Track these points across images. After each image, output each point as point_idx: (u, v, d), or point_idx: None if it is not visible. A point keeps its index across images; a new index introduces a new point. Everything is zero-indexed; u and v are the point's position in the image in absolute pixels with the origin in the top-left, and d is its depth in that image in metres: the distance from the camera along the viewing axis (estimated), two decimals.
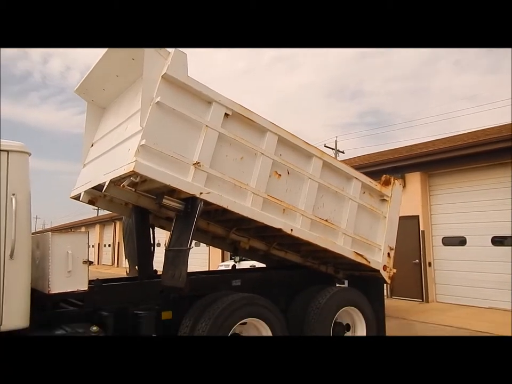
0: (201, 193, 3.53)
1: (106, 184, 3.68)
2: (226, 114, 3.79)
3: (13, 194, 3.02)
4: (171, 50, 3.53)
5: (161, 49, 3.49)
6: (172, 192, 3.67)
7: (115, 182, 3.67)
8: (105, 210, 7.14)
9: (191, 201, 3.62)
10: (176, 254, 3.58)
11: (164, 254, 3.78)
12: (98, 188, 4.08)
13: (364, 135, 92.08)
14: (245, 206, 3.83)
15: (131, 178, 3.36)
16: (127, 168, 3.28)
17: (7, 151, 3.08)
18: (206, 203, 3.61)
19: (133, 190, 3.84)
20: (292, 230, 4.16)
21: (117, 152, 3.86)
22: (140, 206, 4.34)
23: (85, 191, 4.42)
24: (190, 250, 3.51)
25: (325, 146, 25.91)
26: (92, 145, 4.88)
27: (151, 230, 4.61)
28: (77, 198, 4.71)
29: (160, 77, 3.45)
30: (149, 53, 3.41)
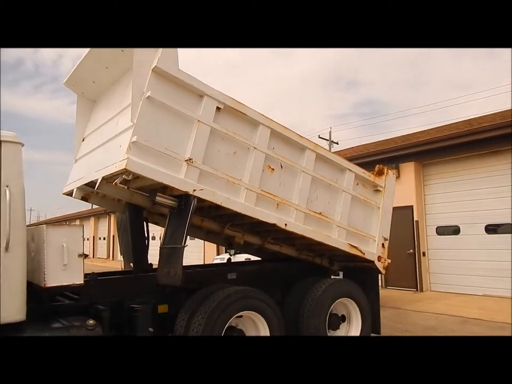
0: (194, 190, 3.50)
1: (99, 181, 3.64)
2: (218, 108, 3.73)
3: (6, 186, 2.99)
4: None
5: None
6: (165, 188, 3.64)
7: (107, 179, 3.63)
8: None
9: (184, 198, 3.59)
10: (171, 252, 3.56)
11: (158, 250, 3.77)
12: (91, 184, 4.04)
13: (359, 125, 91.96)
14: (239, 202, 3.81)
15: (123, 176, 3.32)
16: (118, 166, 3.24)
17: (0, 142, 3.04)
18: (200, 200, 3.59)
19: (126, 187, 3.79)
20: (286, 224, 4.15)
21: (109, 148, 3.81)
22: (133, 203, 4.31)
23: (77, 188, 4.38)
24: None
25: (319, 137, 25.81)
26: (83, 140, 4.81)
27: (145, 223, 4.59)
28: (69, 194, 4.67)
29: (151, 71, 3.38)
30: None
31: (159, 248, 3.78)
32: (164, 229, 4.02)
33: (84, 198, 4.48)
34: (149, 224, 4.71)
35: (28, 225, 3.28)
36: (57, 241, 3.18)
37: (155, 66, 3.35)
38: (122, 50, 3.67)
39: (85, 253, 3.38)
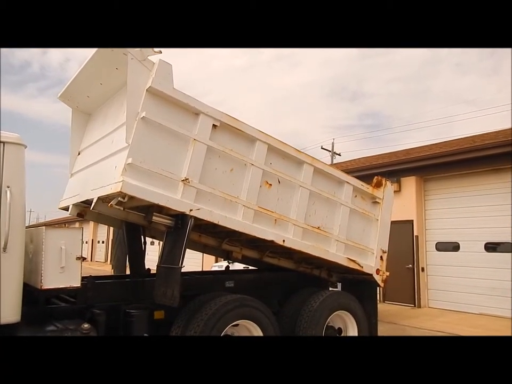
0: (191, 210, 3.47)
1: (94, 201, 3.61)
2: (214, 126, 3.70)
3: (8, 187, 3.00)
4: (155, 61, 3.43)
5: (145, 60, 3.38)
6: (161, 208, 3.60)
7: (103, 199, 3.60)
8: None
9: (181, 217, 3.56)
10: (168, 272, 3.53)
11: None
12: (86, 201, 4.00)
13: (362, 137, 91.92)
14: (236, 220, 3.77)
15: (119, 198, 3.28)
16: (114, 188, 3.20)
17: (3, 143, 3.05)
18: (197, 218, 3.56)
19: (121, 208, 3.75)
20: (284, 241, 4.12)
21: (104, 166, 3.77)
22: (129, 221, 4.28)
23: (73, 204, 4.36)
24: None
25: (322, 148, 25.51)
26: (79, 153, 4.78)
27: (141, 229, 4.55)
28: (65, 209, 4.65)
29: (145, 91, 3.35)
30: (133, 64, 3.30)
31: (156, 268, 3.75)
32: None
33: (80, 215, 4.46)
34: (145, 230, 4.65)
35: (27, 227, 3.28)
36: (56, 243, 3.18)
37: (150, 86, 3.31)
38: (117, 68, 3.63)
39: (83, 256, 3.37)
